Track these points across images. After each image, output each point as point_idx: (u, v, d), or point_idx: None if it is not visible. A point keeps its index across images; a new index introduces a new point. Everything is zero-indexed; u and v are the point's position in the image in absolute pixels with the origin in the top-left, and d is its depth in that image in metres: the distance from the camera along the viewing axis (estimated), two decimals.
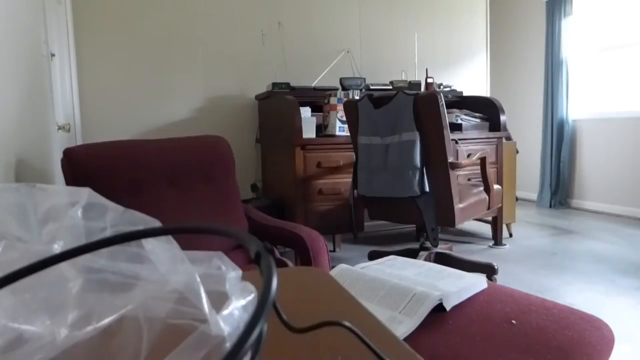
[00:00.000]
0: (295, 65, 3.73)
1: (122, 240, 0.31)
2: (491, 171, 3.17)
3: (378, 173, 2.48)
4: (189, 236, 0.31)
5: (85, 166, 1.72)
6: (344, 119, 2.83)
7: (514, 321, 0.98)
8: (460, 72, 4.31)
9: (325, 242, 1.74)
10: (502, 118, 3.44)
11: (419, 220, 2.46)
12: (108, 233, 0.33)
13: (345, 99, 2.88)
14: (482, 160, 2.64)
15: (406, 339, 0.91)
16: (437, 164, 2.35)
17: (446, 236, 3.77)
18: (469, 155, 3.14)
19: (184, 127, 3.47)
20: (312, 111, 3.16)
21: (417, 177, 2.35)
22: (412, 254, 2.59)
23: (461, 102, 3.75)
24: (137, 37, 3.37)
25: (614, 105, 4.58)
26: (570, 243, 3.53)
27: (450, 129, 2.98)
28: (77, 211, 0.35)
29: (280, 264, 1.72)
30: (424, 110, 2.31)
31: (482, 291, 1.12)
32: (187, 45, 3.49)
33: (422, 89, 3.64)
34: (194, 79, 3.52)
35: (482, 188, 2.68)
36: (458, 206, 2.40)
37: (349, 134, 2.75)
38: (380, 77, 3.85)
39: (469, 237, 3.78)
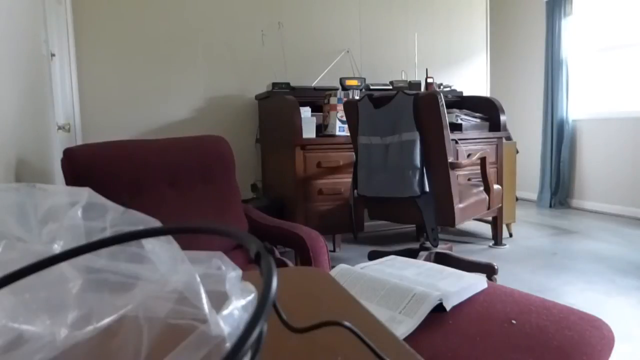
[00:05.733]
0: (295, 65, 3.73)
1: (122, 240, 0.31)
2: (491, 171, 3.17)
3: (378, 173, 2.48)
4: (189, 236, 0.31)
5: (85, 166, 1.72)
6: (344, 119, 2.83)
7: (514, 321, 0.98)
8: (460, 72, 4.31)
9: (325, 242, 1.74)
10: (502, 118, 3.44)
11: (419, 220, 2.46)
12: (108, 233, 0.33)
13: (345, 99, 2.88)
14: (482, 160, 2.64)
15: (406, 339, 0.91)
16: (437, 164, 2.35)
17: (446, 236, 3.76)
18: (469, 155, 3.14)
19: (184, 127, 3.47)
20: (312, 111, 3.16)
21: (417, 177, 2.35)
22: (412, 254, 2.59)
23: (461, 102, 3.75)
24: (137, 37, 3.37)
25: (614, 105, 4.57)
26: (570, 243, 3.53)
27: (450, 129, 2.98)
28: (77, 211, 0.35)
29: (280, 264, 1.72)
30: (424, 110, 2.31)
31: (482, 291, 1.12)
32: (187, 45, 3.49)
33: (422, 89, 3.63)
34: (194, 79, 3.52)
35: (482, 188, 2.68)
36: (458, 206, 2.40)
37: (349, 134, 2.75)
38: (380, 77, 3.85)
39: (469, 237, 3.78)
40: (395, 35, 4.06)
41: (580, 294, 2.50)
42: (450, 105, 3.58)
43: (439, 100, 2.27)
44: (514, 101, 5.54)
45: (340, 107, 3.07)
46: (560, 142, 4.94)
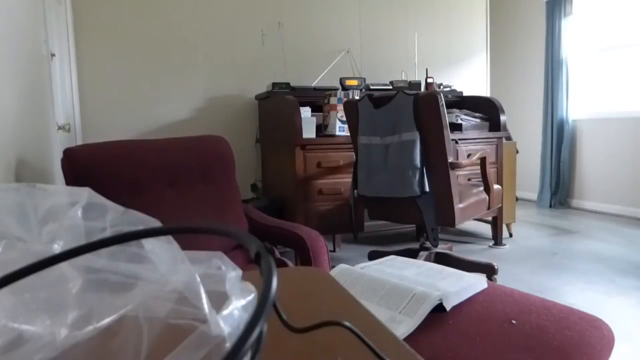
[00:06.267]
0: (295, 65, 3.73)
1: (122, 240, 0.31)
2: (491, 171, 3.17)
3: (378, 173, 2.48)
4: (189, 236, 0.31)
5: (85, 166, 1.72)
6: (344, 119, 2.83)
7: (514, 321, 0.98)
8: (460, 72, 4.31)
9: (325, 242, 1.74)
10: (502, 118, 3.44)
11: (419, 220, 2.46)
12: (108, 233, 0.33)
13: (345, 99, 2.88)
14: (482, 160, 2.64)
15: (406, 339, 0.91)
16: (437, 164, 2.35)
17: (446, 236, 3.76)
18: (469, 155, 3.14)
19: (184, 127, 3.47)
20: (312, 111, 3.16)
21: (417, 177, 2.35)
22: (412, 254, 2.59)
23: (461, 102, 3.75)
24: (137, 37, 3.37)
25: (614, 105, 4.57)
26: (570, 243, 3.53)
27: (450, 129, 2.98)
28: (77, 211, 0.35)
29: (280, 264, 1.72)
30: (424, 110, 2.31)
31: (482, 291, 1.12)
32: (187, 45, 3.49)
33: (422, 89, 3.63)
34: (194, 79, 3.52)
35: (482, 188, 2.68)
36: (458, 206, 2.40)
37: (349, 134, 2.75)
38: (380, 77, 3.85)
39: (469, 237, 3.78)
40: (395, 35, 4.06)
41: (580, 294, 2.50)
42: (450, 105, 3.58)
43: (439, 100, 2.27)
44: (514, 101, 5.54)
45: (340, 107, 3.07)
46: (560, 142, 4.94)
